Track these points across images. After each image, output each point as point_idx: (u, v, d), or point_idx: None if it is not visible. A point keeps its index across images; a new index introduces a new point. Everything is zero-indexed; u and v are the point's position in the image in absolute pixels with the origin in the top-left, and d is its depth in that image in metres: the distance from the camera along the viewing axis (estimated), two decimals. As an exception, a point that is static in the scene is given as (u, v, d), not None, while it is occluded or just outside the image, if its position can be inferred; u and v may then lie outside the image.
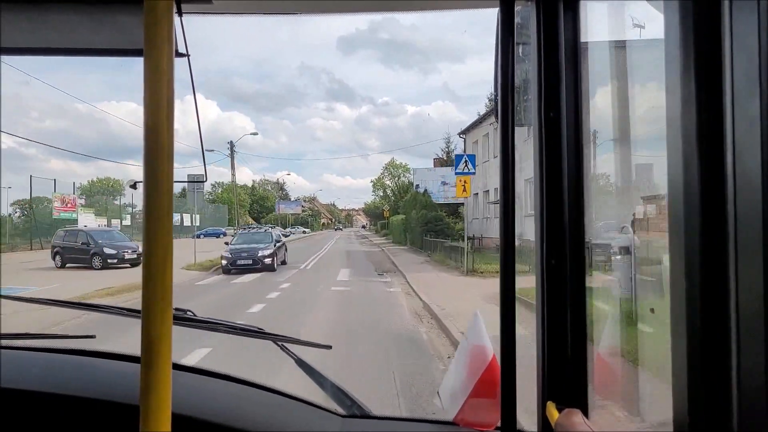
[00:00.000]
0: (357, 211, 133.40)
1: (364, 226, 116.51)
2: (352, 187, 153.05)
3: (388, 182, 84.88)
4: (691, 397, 0.61)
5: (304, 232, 78.26)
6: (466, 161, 17.13)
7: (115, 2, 1.09)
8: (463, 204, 24.25)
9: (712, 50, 0.58)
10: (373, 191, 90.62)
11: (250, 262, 18.86)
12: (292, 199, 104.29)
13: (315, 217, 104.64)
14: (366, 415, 1.39)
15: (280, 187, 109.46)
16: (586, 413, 1.03)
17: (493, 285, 12.93)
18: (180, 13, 1.03)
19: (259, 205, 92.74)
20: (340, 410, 1.40)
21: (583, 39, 1.08)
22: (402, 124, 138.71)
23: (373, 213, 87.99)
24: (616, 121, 1.43)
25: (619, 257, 2.59)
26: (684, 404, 0.62)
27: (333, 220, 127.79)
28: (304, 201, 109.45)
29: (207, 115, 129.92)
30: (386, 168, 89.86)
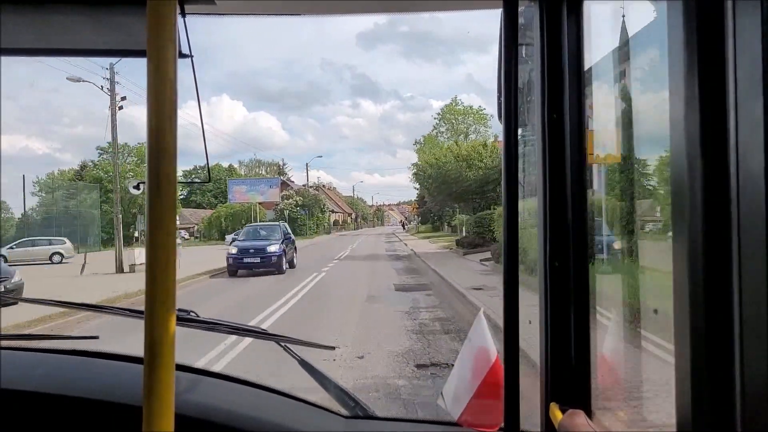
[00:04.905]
0: (389, 206, 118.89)
1: (403, 225, 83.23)
2: (381, 184, 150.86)
3: (444, 139, 50.84)
4: (695, 398, 0.61)
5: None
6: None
7: (118, 3, 1.09)
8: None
9: (716, 51, 0.58)
10: (418, 160, 49.47)
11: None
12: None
13: (310, 209, 58.57)
14: (369, 416, 1.39)
15: (279, 170, 75.78)
16: (589, 414, 1.03)
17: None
18: (183, 14, 1.04)
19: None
20: (344, 411, 1.40)
21: (586, 40, 1.08)
22: (427, 118, 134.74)
23: (440, 192, 38.06)
24: (619, 122, 1.42)
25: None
26: (687, 406, 0.62)
27: (355, 216, 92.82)
28: (308, 186, 64.81)
29: (233, 116, 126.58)
30: (443, 117, 54.14)
